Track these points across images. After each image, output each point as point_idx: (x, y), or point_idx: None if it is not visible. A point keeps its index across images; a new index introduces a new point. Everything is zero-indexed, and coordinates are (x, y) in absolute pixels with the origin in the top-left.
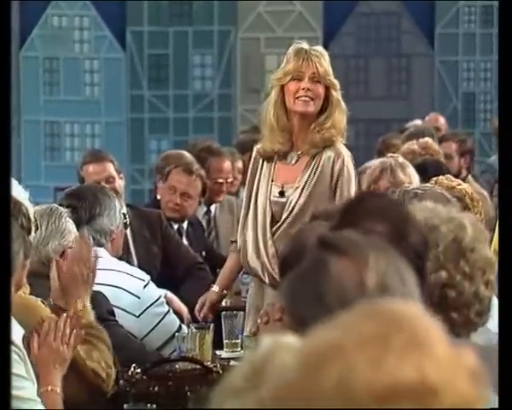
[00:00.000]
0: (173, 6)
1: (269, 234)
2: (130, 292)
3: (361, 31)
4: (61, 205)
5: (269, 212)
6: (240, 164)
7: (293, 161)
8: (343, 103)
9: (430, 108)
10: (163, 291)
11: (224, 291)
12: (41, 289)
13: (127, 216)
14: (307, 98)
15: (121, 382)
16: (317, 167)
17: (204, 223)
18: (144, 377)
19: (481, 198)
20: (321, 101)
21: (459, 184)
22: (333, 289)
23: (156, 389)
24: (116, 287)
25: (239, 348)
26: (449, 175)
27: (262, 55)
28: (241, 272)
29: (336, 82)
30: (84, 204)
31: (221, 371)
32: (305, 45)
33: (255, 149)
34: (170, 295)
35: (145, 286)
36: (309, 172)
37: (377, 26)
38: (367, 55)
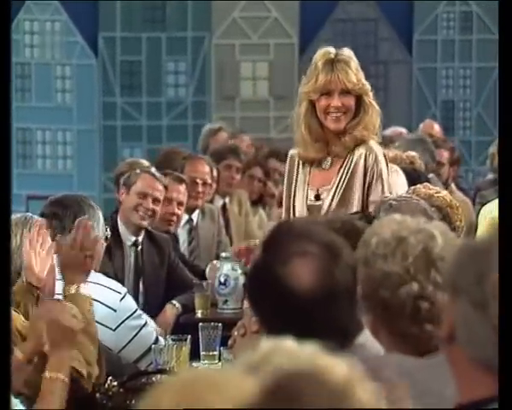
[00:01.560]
0: (146, 11)
1: None
2: (106, 305)
3: (337, 37)
4: (43, 213)
5: (305, 216)
6: (214, 172)
7: (328, 165)
8: (375, 105)
9: (408, 116)
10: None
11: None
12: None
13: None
14: (339, 114)
15: (98, 395)
16: (349, 167)
17: (185, 232)
18: (121, 390)
19: (462, 205)
20: (353, 110)
21: (437, 192)
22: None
23: (133, 401)
24: (92, 299)
25: (216, 360)
26: (427, 183)
27: (237, 61)
28: (217, 283)
29: (367, 86)
30: (68, 212)
31: None
32: (332, 54)
33: (290, 153)
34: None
35: (121, 299)
36: (341, 172)
37: (354, 33)
38: None
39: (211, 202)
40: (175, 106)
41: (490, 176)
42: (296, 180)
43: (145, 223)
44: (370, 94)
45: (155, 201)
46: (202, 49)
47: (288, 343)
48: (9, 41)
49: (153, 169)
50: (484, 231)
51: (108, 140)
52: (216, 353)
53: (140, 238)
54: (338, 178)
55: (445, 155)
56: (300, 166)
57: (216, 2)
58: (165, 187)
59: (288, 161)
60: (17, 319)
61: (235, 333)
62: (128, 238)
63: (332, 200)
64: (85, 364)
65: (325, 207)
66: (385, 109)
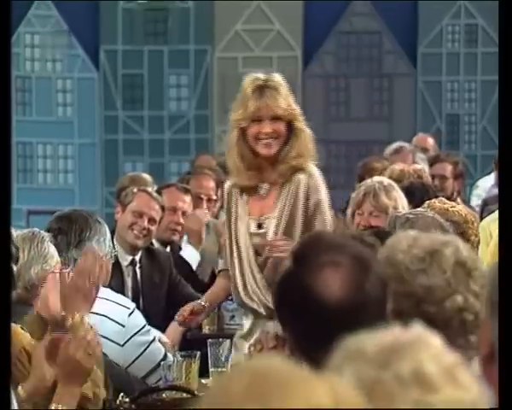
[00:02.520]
0: (148, 24)
1: (256, 268)
2: (114, 320)
3: (341, 50)
4: (50, 228)
5: (251, 246)
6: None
7: (265, 192)
8: (307, 129)
9: (413, 130)
10: (157, 333)
11: (207, 303)
12: (24, 315)
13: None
14: (270, 140)
15: None
16: (288, 193)
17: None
18: (132, 406)
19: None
20: (284, 135)
21: (453, 207)
22: None
23: None
24: (100, 315)
25: None
26: (442, 198)
27: (239, 74)
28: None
29: (297, 111)
30: (74, 227)
31: None
32: (260, 80)
33: (226, 185)
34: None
35: (130, 314)
36: (281, 200)
37: (358, 46)
38: (348, 75)
39: (216, 217)
40: (177, 119)
41: (496, 190)
42: (236, 212)
43: (140, 242)
44: (301, 119)
45: (151, 220)
46: (205, 63)
47: (436, 342)
48: (9, 54)
49: (149, 188)
50: (487, 246)
51: (110, 154)
52: (225, 369)
53: (137, 257)
54: (280, 206)
55: (448, 168)
56: (238, 196)
57: (218, 15)
58: (162, 207)
59: (226, 194)
60: (25, 338)
61: (252, 349)
62: (124, 258)
63: (276, 228)
64: (92, 386)
65: (270, 235)
66: (389, 123)
